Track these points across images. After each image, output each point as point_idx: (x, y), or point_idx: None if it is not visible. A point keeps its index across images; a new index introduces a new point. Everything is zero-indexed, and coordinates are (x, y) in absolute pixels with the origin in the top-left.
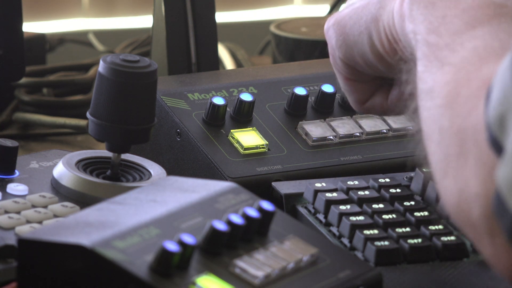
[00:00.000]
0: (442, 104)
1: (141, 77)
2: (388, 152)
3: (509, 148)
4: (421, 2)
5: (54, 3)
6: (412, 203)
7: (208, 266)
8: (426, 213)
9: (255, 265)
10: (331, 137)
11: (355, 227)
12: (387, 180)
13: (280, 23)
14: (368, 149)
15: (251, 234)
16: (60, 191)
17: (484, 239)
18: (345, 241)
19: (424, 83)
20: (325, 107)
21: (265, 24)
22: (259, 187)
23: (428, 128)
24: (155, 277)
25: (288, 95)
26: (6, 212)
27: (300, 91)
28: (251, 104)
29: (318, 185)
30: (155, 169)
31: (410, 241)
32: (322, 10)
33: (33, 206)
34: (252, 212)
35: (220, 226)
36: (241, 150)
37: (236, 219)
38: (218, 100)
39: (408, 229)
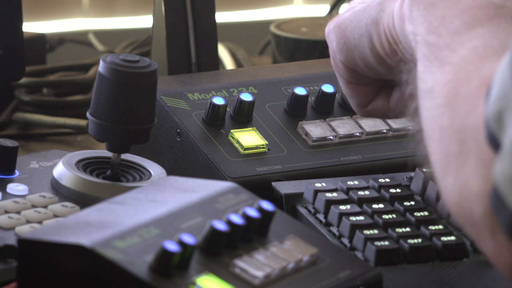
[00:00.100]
0: (442, 104)
1: (141, 77)
2: (388, 152)
3: (506, 144)
4: (421, 3)
5: (54, 3)
6: (412, 203)
7: (208, 266)
8: (426, 213)
9: (255, 265)
10: (331, 137)
11: (355, 227)
12: (387, 180)
13: (280, 23)
14: (368, 149)
15: (251, 234)
16: (60, 191)
17: (485, 237)
18: (345, 241)
19: (424, 83)
20: (325, 107)
21: (265, 24)
22: (259, 187)
23: (428, 127)
24: (155, 277)
25: (288, 95)
26: (6, 212)
27: (300, 91)
28: (251, 104)
29: (318, 185)
30: (155, 169)
31: (410, 241)
32: (322, 10)
33: (33, 206)
34: (252, 212)
35: (220, 226)
36: (241, 150)
37: (236, 219)
38: (218, 100)
39: (408, 229)
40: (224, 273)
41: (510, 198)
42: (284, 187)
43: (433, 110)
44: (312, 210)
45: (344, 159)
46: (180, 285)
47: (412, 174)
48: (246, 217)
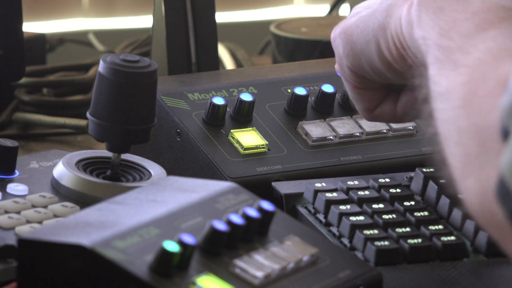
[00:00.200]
0: (459, 105)
1: (141, 77)
2: (388, 152)
3: None
4: (429, 8)
5: (54, 3)
6: (412, 203)
7: (208, 266)
8: (426, 213)
9: (255, 265)
10: (331, 137)
11: (355, 227)
12: (387, 180)
13: (280, 23)
14: (368, 149)
15: (251, 234)
16: (60, 191)
17: (510, 238)
18: (345, 241)
19: (438, 85)
20: (325, 107)
21: (265, 24)
22: (259, 187)
23: (445, 130)
24: (155, 277)
25: (288, 95)
26: (6, 212)
27: (300, 91)
28: (251, 104)
29: (318, 185)
30: (155, 169)
31: (410, 241)
32: (322, 10)
33: (33, 206)
34: (252, 212)
35: (220, 226)
36: (241, 150)
37: (236, 219)
38: (218, 100)
39: (408, 229)
40: (224, 273)
41: None
42: (284, 187)
43: (450, 112)
44: (312, 210)
45: (344, 159)
46: (180, 285)
47: (412, 174)
48: (246, 217)
